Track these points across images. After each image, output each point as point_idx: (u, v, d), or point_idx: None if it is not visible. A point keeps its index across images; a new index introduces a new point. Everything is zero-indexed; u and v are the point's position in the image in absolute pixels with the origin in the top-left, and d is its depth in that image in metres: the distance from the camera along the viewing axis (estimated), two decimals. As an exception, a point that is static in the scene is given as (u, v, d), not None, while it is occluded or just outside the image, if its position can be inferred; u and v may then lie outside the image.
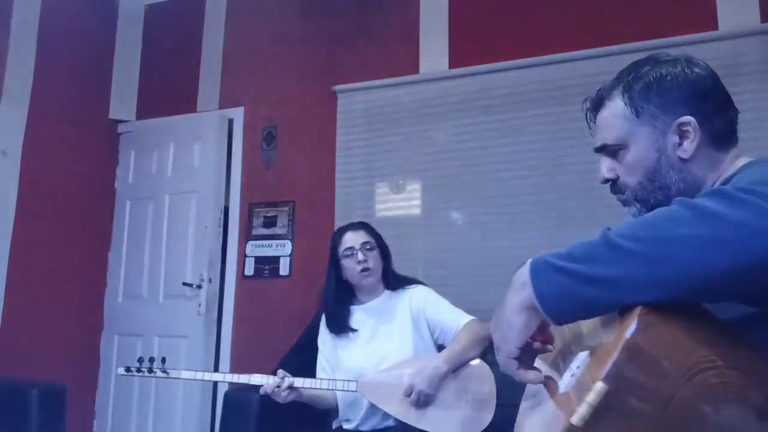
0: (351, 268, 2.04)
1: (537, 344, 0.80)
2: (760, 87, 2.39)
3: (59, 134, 3.19)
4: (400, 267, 2.21)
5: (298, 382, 1.86)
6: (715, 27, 2.49)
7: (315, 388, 1.91)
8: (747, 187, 0.66)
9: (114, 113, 3.55)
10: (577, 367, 0.73)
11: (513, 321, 0.75)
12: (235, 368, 3.07)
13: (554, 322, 0.72)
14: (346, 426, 2.02)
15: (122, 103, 3.58)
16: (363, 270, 2.02)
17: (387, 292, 2.12)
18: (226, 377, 1.89)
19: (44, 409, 2.18)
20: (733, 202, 0.64)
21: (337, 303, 2.09)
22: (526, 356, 0.79)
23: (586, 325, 0.82)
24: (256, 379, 1.85)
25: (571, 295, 0.69)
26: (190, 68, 3.51)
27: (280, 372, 1.86)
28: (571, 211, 2.58)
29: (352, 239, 2.07)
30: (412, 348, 1.97)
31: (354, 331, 2.05)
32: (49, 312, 3.05)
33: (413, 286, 2.12)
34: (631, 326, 0.63)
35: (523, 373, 0.79)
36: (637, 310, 0.65)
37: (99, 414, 3.31)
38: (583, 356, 0.73)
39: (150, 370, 1.89)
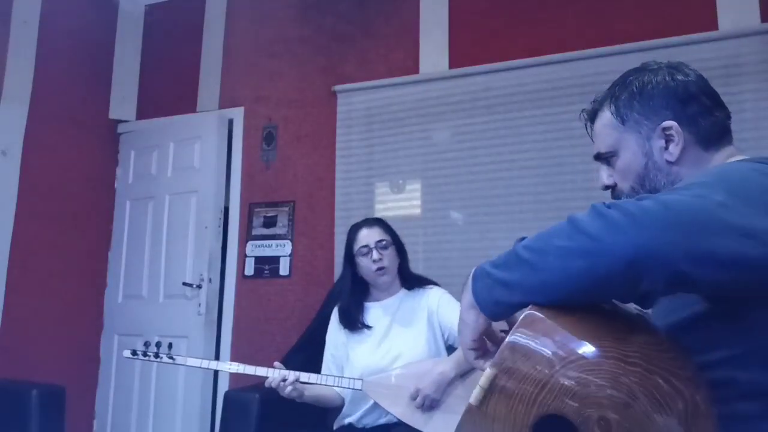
0: (366, 266, 2.02)
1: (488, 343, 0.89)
2: (760, 87, 2.38)
3: (59, 134, 3.19)
4: (400, 267, 2.19)
5: (304, 376, 1.84)
6: (715, 27, 2.49)
7: (320, 384, 1.89)
8: (615, 202, 0.73)
9: (114, 113, 3.55)
10: None
11: (465, 318, 0.85)
12: (235, 368, 3.07)
13: (490, 319, 0.83)
14: (346, 420, 2.01)
15: (122, 103, 3.58)
16: (378, 269, 2.00)
17: (403, 291, 2.10)
18: (231, 367, 1.85)
19: (44, 409, 2.17)
20: (598, 217, 0.72)
21: (352, 299, 2.07)
22: (485, 347, 0.88)
23: None
24: (261, 371, 1.84)
25: (492, 296, 0.79)
26: (190, 68, 3.51)
27: (277, 364, 1.84)
28: (571, 210, 2.54)
29: (367, 237, 2.05)
30: (426, 349, 1.96)
31: (369, 328, 2.03)
32: (49, 312, 3.05)
33: (430, 286, 2.11)
34: (518, 322, 0.74)
35: (479, 363, 0.89)
36: (527, 309, 0.75)
37: (99, 414, 3.31)
38: None
39: (156, 355, 1.86)
